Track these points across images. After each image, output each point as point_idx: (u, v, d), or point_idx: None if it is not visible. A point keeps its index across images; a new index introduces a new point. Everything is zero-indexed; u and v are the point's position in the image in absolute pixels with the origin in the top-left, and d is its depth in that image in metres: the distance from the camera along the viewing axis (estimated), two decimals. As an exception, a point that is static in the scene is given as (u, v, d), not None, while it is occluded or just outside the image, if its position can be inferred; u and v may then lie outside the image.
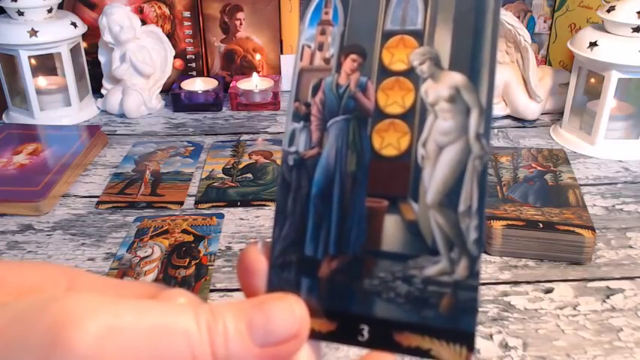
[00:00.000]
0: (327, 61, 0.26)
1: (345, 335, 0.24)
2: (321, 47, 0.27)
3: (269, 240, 0.26)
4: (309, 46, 0.27)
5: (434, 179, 0.25)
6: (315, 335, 0.24)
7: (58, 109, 0.99)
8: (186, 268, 0.62)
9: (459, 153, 0.24)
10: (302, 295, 0.24)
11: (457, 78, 0.25)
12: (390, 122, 0.26)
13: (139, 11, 1.06)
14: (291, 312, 0.23)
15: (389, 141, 0.25)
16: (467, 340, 0.23)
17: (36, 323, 0.20)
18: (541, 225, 0.63)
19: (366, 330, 0.24)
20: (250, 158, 0.86)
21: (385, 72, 0.26)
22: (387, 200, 0.25)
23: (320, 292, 0.25)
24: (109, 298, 0.21)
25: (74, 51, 0.99)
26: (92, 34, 1.04)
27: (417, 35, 0.26)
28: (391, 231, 0.25)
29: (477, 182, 0.24)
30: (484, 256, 0.64)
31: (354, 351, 0.51)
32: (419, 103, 0.25)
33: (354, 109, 0.26)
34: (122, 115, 1.02)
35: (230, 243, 0.67)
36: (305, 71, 0.27)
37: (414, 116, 0.25)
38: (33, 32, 0.91)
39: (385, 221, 0.25)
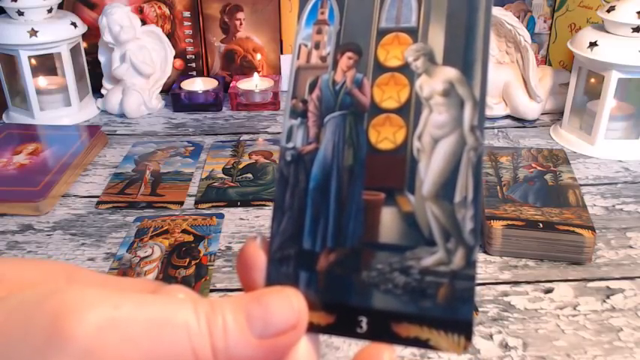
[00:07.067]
0: (323, 59, 0.27)
1: (343, 327, 0.24)
2: (317, 46, 0.27)
3: (268, 234, 0.26)
4: (306, 45, 0.27)
5: (430, 171, 0.25)
6: (313, 328, 0.24)
7: (58, 109, 0.99)
8: (186, 268, 0.62)
9: (454, 145, 0.25)
10: (300, 288, 0.24)
11: (451, 72, 0.25)
12: (386, 117, 0.26)
13: (139, 11, 1.06)
14: (289, 303, 0.23)
15: (385, 135, 0.26)
16: (465, 329, 0.23)
17: (36, 315, 0.20)
18: (541, 225, 0.63)
19: (364, 322, 0.24)
20: (250, 158, 0.86)
21: (380, 68, 0.26)
22: (383, 193, 0.26)
23: (318, 285, 0.25)
24: (108, 290, 0.21)
25: (74, 51, 0.99)
26: (92, 34, 1.04)
27: (412, 32, 0.26)
28: (388, 223, 0.25)
29: (472, 173, 0.24)
30: (484, 256, 0.64)
31: (354, 351, 0.51)
32: (414, 98, 0.26)
33: (350, 104, 0.26)
34: (122, 115, 1.02)
35: (230, 243, 0.67)
36: (302, 69, 0.27)
37: (410, 110, 0.26)
38: (33, 32, 0.91)
39: (382, 213, 0.25)
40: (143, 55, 1.01)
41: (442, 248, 0.24)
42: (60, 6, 1.00)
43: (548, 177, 0.74)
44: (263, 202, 0.75)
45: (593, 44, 0.83)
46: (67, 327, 0.19)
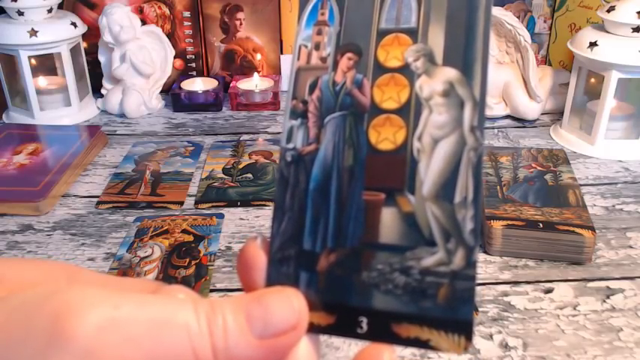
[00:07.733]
0: (323, 59, 0.27)
1: (344, 328, 0.24)
2: (317, 47, 0.27)
3: (268, 235, 0.26)
4: (306, 46, 0.28)
5: (430, 171, 0.25)
6: (314, 329, 0.24)
7: (58, 109, 0.99)
8: (186, 268, 0.62)
9: (454, 145, 0.25)
10: (301, 288, 0.25)
11: (451, 73, 0.25)
12: (386, 117, 0.26)
13: (139, 11, 1.06)
14: (289, 304, 0.23)
15: (385, 135, 0.26)
16: (465, 329, 0.23)
17: (37, 315, 0.20)
18: (541, 225, 0.63)
19: (364, 322, 0.24)
20: (250, 158, 0.86)
21: (380, 69, 0.27)
22: (383, 193, 0.26)
23: (319, 285, 0.25)
24: (109, 291, 0.21)
25: (74, 51, 0.99)
26: (92, 34, 1.04)
27: (411, 33, 0.26)
28: (388, 223, 0.25)
29: (472, 173, 0.24)
30: (484, 256, 0.64)
31: (354, 351, 0.51)
32: (414, 98, 0.26)
33: (350, 105, 0.27)
34: (122, 115, 1.02)
35: (230, 243, 0.67)
36: (302, 70, 0.27)
37: (410, 111, 0.26)
38: (33, 32, 0.91)
39: (382, 214, 0.26)
40: (143, 55, 1.01)
41: (442, 248, 0.24)
42: (60, 6, 1.00)
43: (548, 177, 0.74)
44: (263, 202, 0.75)
45: (593, 44, 0.83)
46: (67, 327, 0.19)
